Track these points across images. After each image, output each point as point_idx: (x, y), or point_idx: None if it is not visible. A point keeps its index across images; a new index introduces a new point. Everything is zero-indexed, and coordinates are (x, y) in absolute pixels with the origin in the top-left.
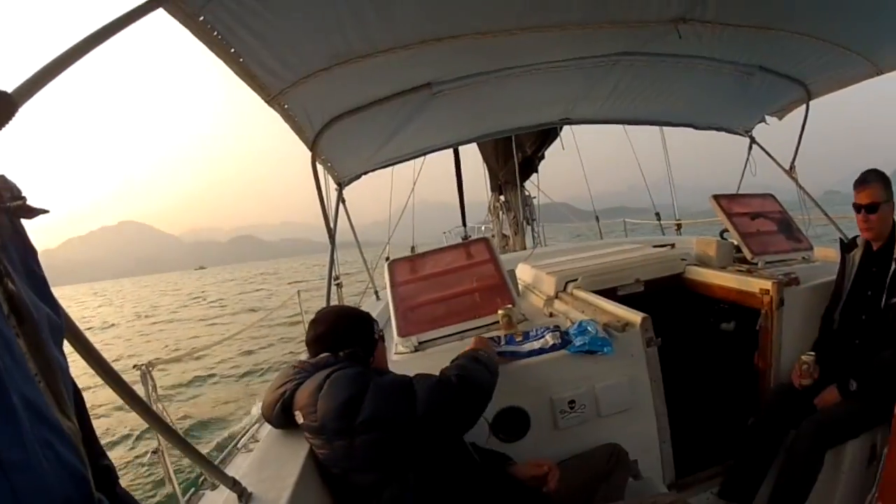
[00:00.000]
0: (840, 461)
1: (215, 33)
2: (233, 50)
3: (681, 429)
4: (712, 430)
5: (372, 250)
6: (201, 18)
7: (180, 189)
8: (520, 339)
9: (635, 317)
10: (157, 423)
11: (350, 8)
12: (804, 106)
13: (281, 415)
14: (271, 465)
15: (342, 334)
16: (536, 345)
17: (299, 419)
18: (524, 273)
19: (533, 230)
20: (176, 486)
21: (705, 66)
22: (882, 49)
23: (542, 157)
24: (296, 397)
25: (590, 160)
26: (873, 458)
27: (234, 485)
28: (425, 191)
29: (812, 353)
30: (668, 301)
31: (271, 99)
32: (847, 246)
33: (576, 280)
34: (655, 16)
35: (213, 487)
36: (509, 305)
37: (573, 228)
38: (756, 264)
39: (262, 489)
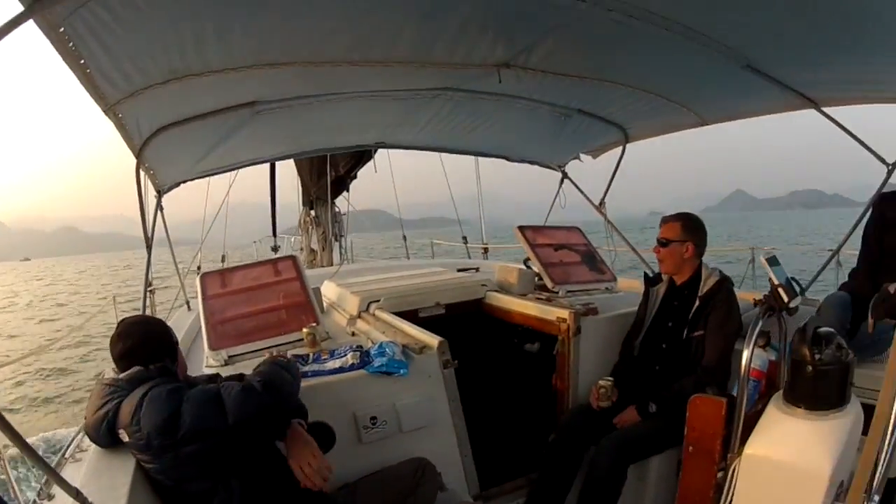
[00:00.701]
0: (645, 475)
1: (70, 44)
2: (82, 61)
3: (485, 443)
4: (516, 444)
5: (190, 250)
6: (61, 30)
7: (12, 173)
8: (325, 356)
9: (433, 340)
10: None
11: (193, 31)
12: (621, 147)
13: (107, 435)
14: (104, 475)
15: (153, 347)
16: (338, 363)
17: (124, 437)
18: (330, 291)
19: (341, 246)
20: (17, 492)
21: (524, 106)
22: (705, 104)
23: (355, 176)
24: (119, 416)
25: (424, 168)
26: (679, 472)
27: (77, 494)
28: (246, 192)
29: (610, 378)
30: (470, 324)
31: (108, 108)
32: (652, 280)
33: (378, 301)
34: (480, 60)
35: (50, 498)
36: (314, 324)
37: (384, 242)
38: (557, 293)
39: (101, 499)
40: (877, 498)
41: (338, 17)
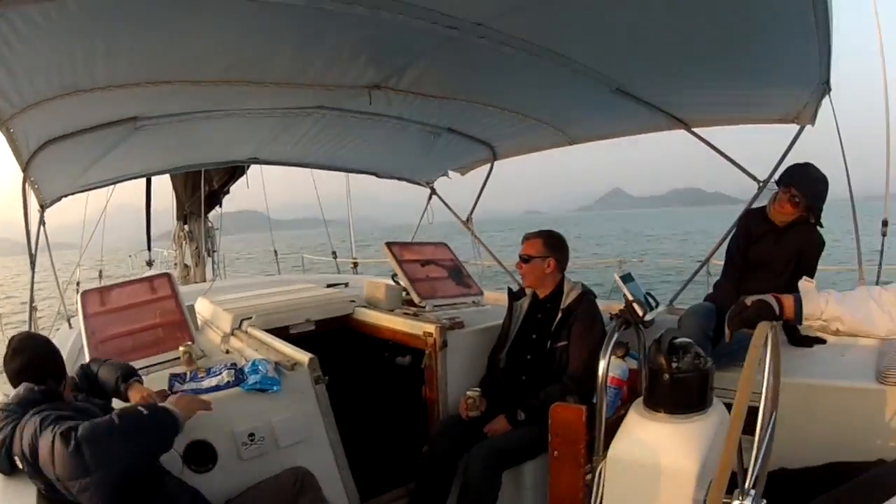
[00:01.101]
0: (520, 480)
1: None
2: None
3: (363, 455)
4: (393, 455)
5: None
6: None
7: None
8: (202, 375)
9: (303, 357)
10: None
11: (84, 49)
12: (489, 164)
13: (6, 462)
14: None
15: (47, 366)
16: (214, 381)
17: (21, 465)
18: (203, 308)
19: (214, 262)
20: None
21: (394, 124)
22: (572, 125)
23: (228, 191)
24: (14, 443)
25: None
26: None
27: None
28: (126, 195)
29: (477, 388)
30: (341, 339)
31: (2, 123)
32: (516, 294)
33: (250, 318)
34: (352, 82)
35: None
36: (189, 342)
37: (254, 250)
38: (424, 308)
39: None
40: (752, 493)
41: (218, 39)
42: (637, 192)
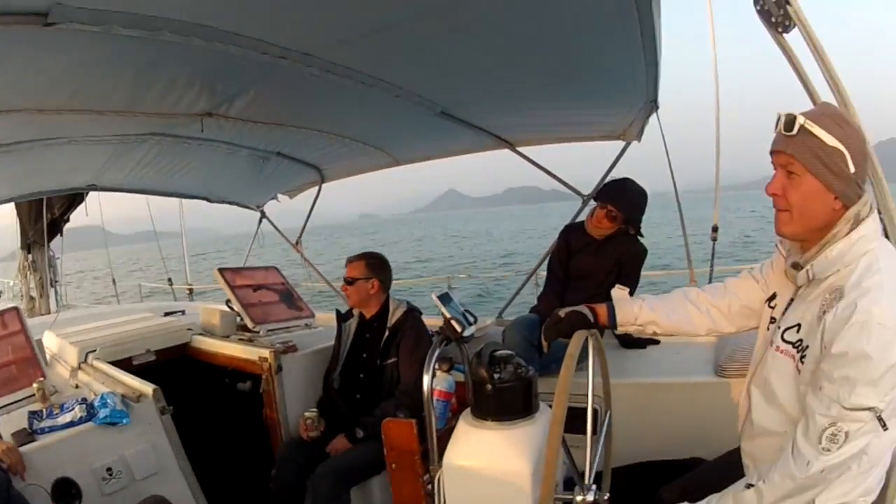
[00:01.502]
0: (369, 496)
1: None
2: None
3: (216, 482)
4: (245, 480)
5: None
6: None
7: None
8: (57, 411)
9: (147, 388)
10: None
11: None
12: (317, 187)
13: None
14: None
15: None
16: (69, 417)
17: None
18: (50, 341)
19: (57, 292)
20: None
21: (225, 149)
22: (398, 147)
23: (68, 219)
24: None
25: None
26: None
27: None
28: None
29: (315, 409)
30: (183, 367)
31: None
32: (344, 315)
33: (95, 351)
34: (185, 110)
35: None
36: (41, 378)
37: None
38: (258, 333)
39: None
40: (594, 487)
41: (63, 69)
42: (473, 193)
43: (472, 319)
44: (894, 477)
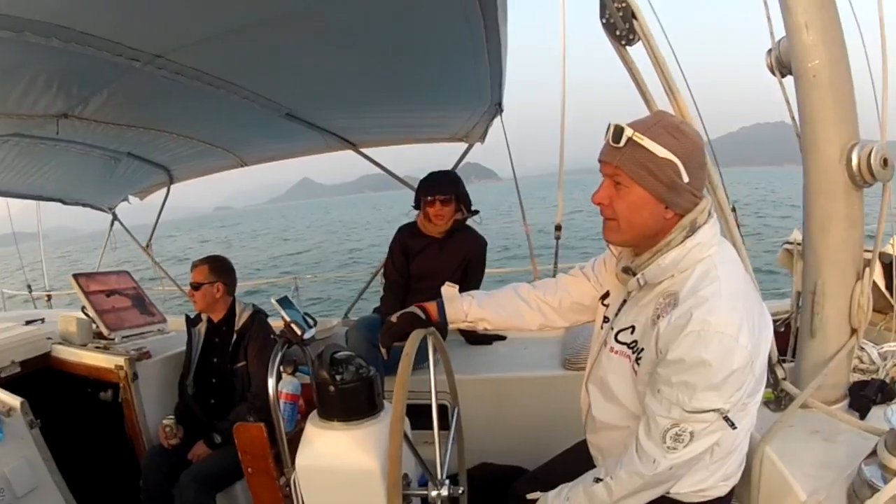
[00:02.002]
0: (235, 500)
1: None
2: None
3: (91, 495)
4: (116, 491)
5: None
6: None
7: None
8: None
9: (15, 401)
10: None
11: None
12: (166, 188)
13: None
14: None
15: None
16: None
17: None
18: None
19: None
20: None
21: (78, 150)
22: (245, 148)
23: None
24: None
25: None
26: None
27: None
28: None
29: (172, 416)
30: (48, 378)
31: None
32: (192, 321)
33: None
34: (43, 111)
35: None
36: None
37: None
38: (113, 340)
39: None
40: (447, 482)
41: None
42: (327, 181)
43: (311, 322)
44: (756, 460)
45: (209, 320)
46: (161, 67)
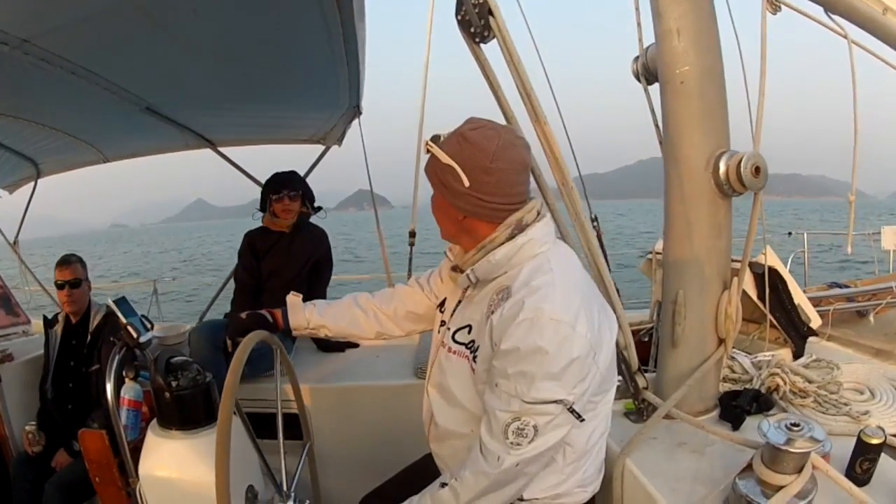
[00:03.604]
0: None
1: None
2: None
3: None
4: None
5: None
6: None
7: None
8: None
9: None
10: None
11: None
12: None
13: None
14: None
15: None
16: None
17: None
18: None
19: None
20: None
21: None
22: (106, 142)
23: None
24: None
25: None
26: None
27: None
28: None
29: (34, 422)
30: None
31: None
32: (50, 322)
33: None
34: None
35: None
36: None
37: None
38: None
39: None
40: (293, 494)
41: None
42: (219, 203)
43: (149, 325)
44: (616, 472)
45: (66, 321)
46: (28, 53)
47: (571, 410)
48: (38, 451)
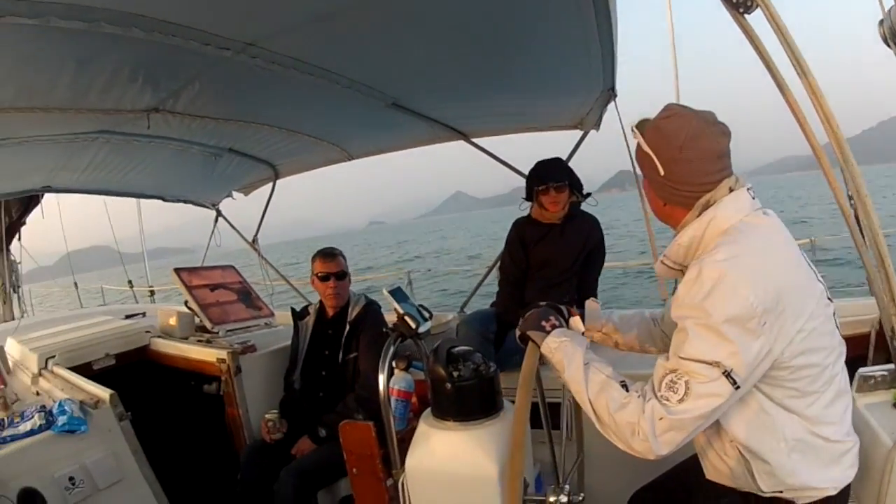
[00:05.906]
0: (338, 497)
1: None
2: None
3: (181, 488)
4: (210, 485)
5: None
6: None
7: None
8: (18, 419)
9: (104, 393)
10: None
11: None
12: (271, 183)
13: None
14: None
15: None
16: (28, 425)
17: None
18: (13, 349)
19: (20, 298)
20: None
21: (175, 147)
22: (350, 140)
23: (24, 222)
24: None
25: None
26: None
27: None
28: None
29: (275, 410)
30: (143, 371)
31: None
32: (299, 313)
33: (54, 357)
34: (130, 106)
35: None
36: (1, 386)
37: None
38: (217, 333)
39: None
40: (567, 488)
41: (5, 66)
42: (479, 194)
43: (427, 315)
44: (887, 463)
45: (319, 312)
46: (255, 56)
47: (727, 375)
48: (276, 439)
